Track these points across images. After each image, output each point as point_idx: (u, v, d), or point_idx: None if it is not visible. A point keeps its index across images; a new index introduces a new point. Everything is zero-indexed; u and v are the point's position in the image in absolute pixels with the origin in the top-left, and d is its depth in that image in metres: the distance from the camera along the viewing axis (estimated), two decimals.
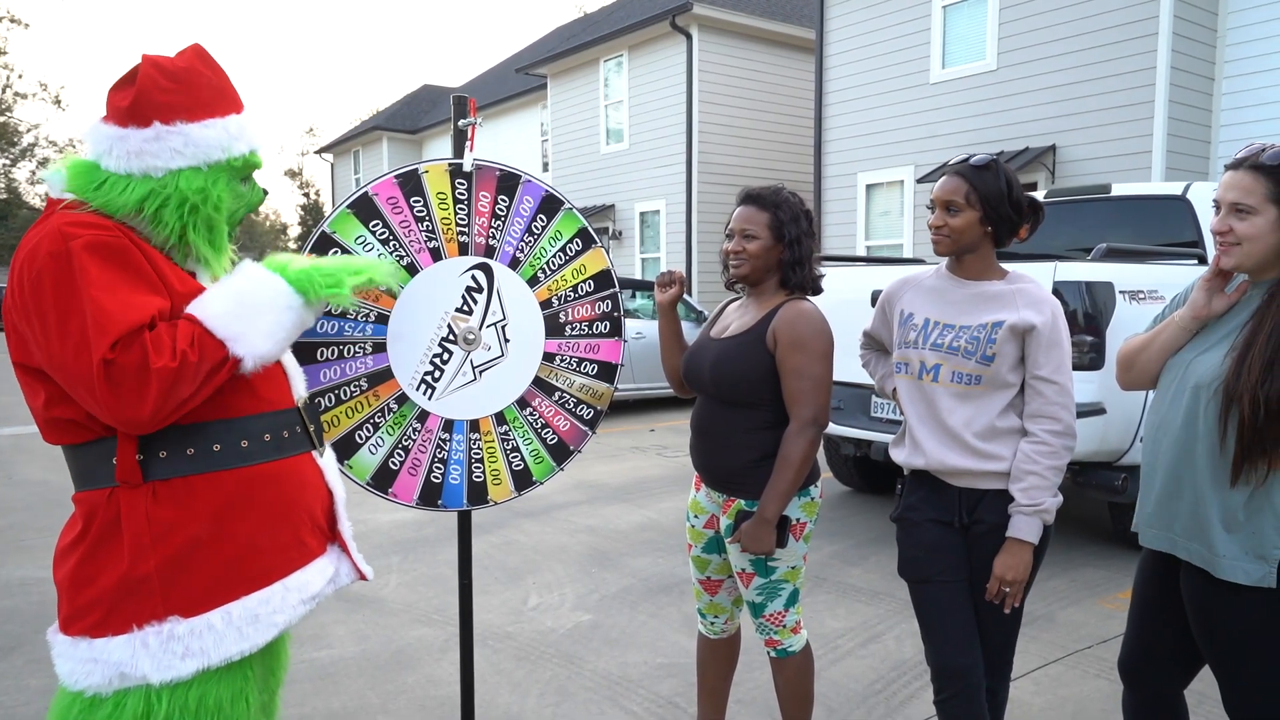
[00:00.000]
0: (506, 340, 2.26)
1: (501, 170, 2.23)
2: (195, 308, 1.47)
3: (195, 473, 1.50)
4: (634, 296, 9.93)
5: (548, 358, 2.32)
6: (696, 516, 2.37)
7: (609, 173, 15.78)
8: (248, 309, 1.49)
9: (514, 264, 2.26)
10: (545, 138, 18.27)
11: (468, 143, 2.17)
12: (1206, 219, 4.97)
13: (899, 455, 2.11)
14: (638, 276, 15.02)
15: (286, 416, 1.64)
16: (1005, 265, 2.10)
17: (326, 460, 1.75)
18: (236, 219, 1.64)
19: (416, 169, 2.16)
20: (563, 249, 2.31)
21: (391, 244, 2.13)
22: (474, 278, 2.22)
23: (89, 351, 1.33)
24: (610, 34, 14.81)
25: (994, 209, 1.95)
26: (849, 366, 3.74)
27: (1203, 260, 4.80)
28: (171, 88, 1.49)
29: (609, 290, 2.38)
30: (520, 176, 2.25)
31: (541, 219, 2.28)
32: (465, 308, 2.21)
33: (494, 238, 2.23)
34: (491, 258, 2.23)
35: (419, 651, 3.39)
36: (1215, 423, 1.71)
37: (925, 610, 2.03)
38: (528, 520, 5.32)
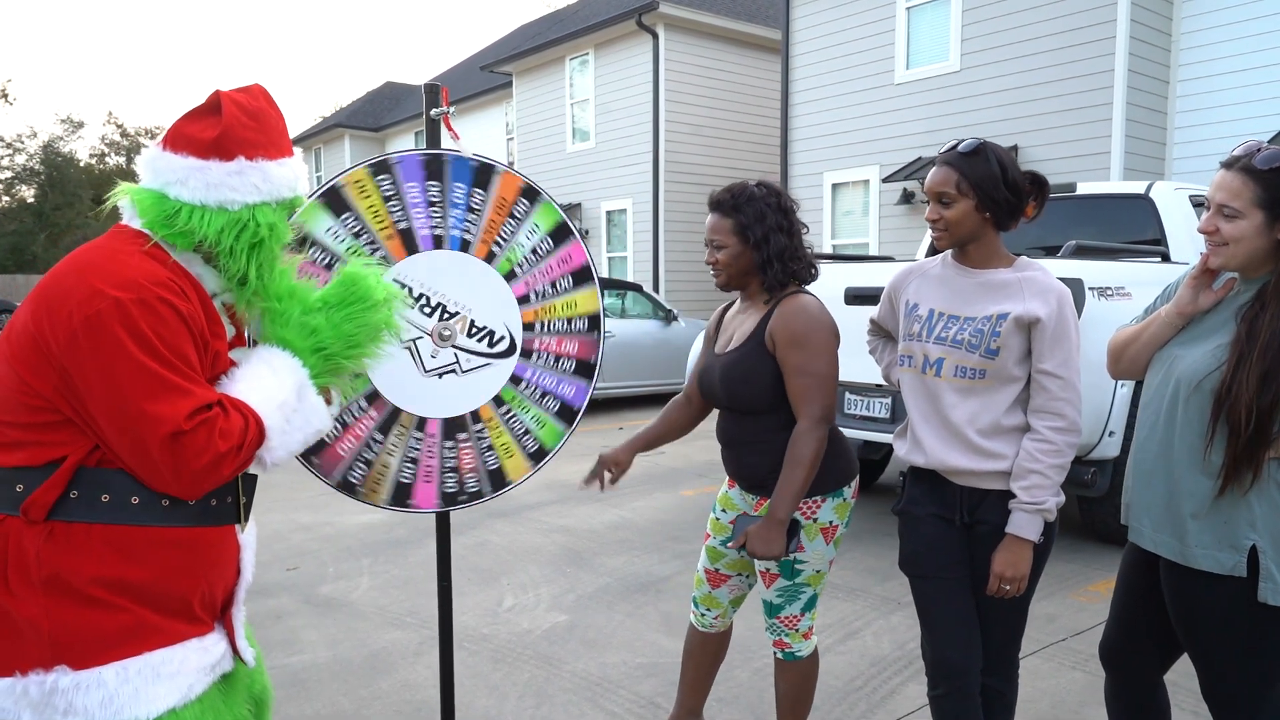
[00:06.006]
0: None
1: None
2: (256, 405, 1.49)
3: (102, 522, 1.38)
4: (602, 295, 9.89)
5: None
6: (724, 511, 2.36)
7: (575, 171, 15.72)
8: (292, 424, 1.54)
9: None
10: (511, 136, 18.14)
11: (449, 131, 2.10)
12: (1169, 217, 5.06)
13: (901, 449, 2.08)
14: (604, 275, 14.96)
15: (222, 485, 1.53)
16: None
17: (247, 537, 1.64)
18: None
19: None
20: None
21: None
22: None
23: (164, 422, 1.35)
24: (576, 32, 14.75)
25: (988, 194, 1.87)
26: None
27: (1167, 258, 4.89)
28: (253, 125, 1.51)
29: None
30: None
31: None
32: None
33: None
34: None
35: (393, 655, 3.32)
36: (1196, 418, 1.71)
37: (925, 605, 2.00)
38: (500, 521, 5.26)
